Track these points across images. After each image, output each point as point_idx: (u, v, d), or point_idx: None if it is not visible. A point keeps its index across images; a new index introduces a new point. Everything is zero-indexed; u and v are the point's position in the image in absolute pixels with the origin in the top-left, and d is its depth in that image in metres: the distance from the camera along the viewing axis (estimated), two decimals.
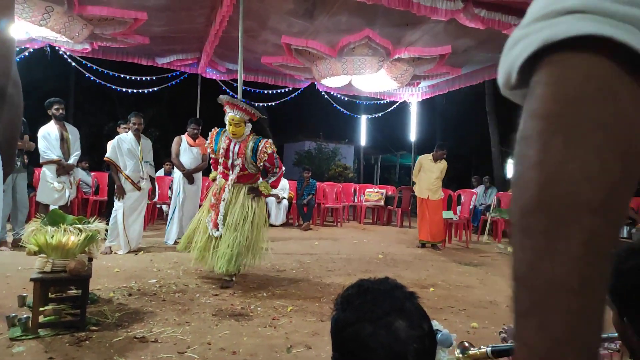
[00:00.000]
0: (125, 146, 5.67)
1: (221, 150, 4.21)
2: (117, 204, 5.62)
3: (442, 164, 7.18)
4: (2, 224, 5.41)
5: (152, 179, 5.97)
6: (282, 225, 9.27)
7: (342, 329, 0.87)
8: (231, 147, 4.19)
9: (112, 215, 5.66)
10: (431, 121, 19.78)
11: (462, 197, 9.19)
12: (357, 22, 6.75)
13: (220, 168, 4.34)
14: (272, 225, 9.11)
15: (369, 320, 0.84)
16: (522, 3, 5.77)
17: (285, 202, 9.39)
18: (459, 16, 5.77)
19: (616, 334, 1.12)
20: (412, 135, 12.73)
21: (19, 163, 5.47)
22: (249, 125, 4.18)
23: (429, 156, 7.24)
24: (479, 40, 7.34)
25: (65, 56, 8.78)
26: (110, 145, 5.76)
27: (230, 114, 4.14)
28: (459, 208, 8.97)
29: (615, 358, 1.26)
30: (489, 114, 14.91)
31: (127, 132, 5.90)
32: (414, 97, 11.74)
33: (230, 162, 4.19)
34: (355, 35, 6.96)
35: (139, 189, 5.74)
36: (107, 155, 5.70)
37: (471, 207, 9.12)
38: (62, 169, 5.76)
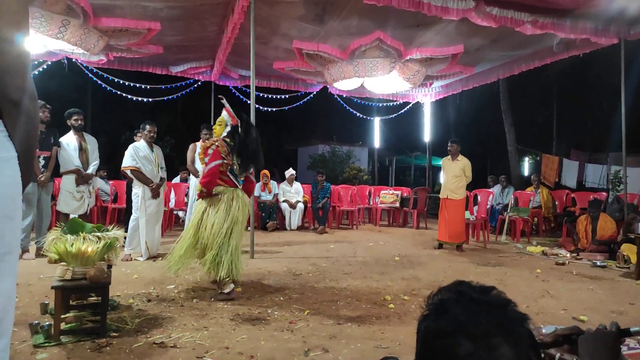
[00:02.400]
0: (140, 153, 5.77)
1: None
2: (139, 213, 5.69)
3: (462, 162, 6.97)
4: (27, 233, 5.54)
5: (161, 179, 5.99)
6: (298, 229, 9.30)
7: (434, 338, 0.75)
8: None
9: (132, 223, 5.73)
10: (445, 121, 19.63)
11: (479, 197, 9.09)
12: (368, 24, 6.75)
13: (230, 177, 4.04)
14: (285, 229, 9.16)
15: (468, 336, 0.71)
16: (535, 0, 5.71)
17: (300, 205, 9.41)
18: (471, 15, 5.73)
19: None
20: (427, 135, 12.65)
21: (43, 175, 5.60)
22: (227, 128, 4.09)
23: (448, 156, 7.18)
24: (492, 38, 7.28)
25: (82, 68, 8.97)
26: (126, 154, 5.84)
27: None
28: (475, 208, 8.87)
29: None
30: (504, 113, 14.73)
31: (139, 140, 5.99)
32: (427, 98, 11.68)
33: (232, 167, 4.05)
34: (366, 37, 6.96)
35: (158, 195, 5.84)
36: (127, 164, 5.74)
37: (488, 206, 9.01)
38: (81, 179, 5.87)
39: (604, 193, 9.91)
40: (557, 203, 9.88)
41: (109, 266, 3.24)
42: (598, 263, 6.01)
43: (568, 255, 6.65)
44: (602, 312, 3.81)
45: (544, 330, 1.46)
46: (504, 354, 0.69)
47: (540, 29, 6.05)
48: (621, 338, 1.11)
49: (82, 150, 5.93)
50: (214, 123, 4.36)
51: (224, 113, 4.15)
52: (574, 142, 16.94)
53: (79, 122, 5.92)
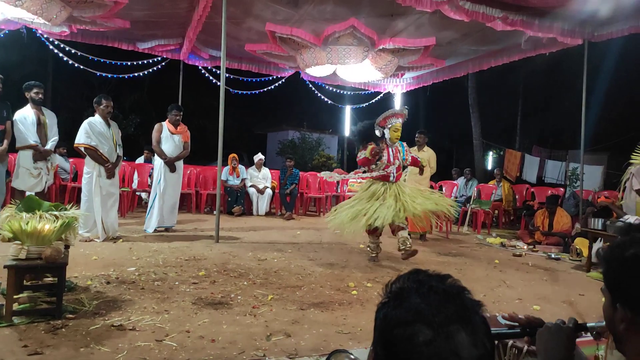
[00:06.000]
0: (96, 129, 5.52)
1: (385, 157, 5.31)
2: (93, 193, 5.46)
3: (427, 153, 7.13)
4: None
5: (118, 157, 5.76)
6: (265, 214, 9.25)
7: (393, 327, 0.76)
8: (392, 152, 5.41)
9: (84, 205, 5.43)
10: (415, 113, 19.88)
11: (444, 189, 9.29)
12: (342, 11, 6.71)
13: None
14: (252, 215, 9.10)
15: (428, 324, 0.72)
16: None
17: (268, 191, 9.36)
18: (444, 8, 5.77)
19: (603, 323, 1.13)
20: None
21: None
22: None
23: (414, 147, 7.28)
24: (463, 32, 7.37)
25: (42, 39, 8.53)
26: (80, 130, 5.54)
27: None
28: None
29: (606, 345, 1.28)
30: (471, 107, 15.07)
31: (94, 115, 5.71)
32: (398, 89, 11.76)
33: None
34: (341, 24, 6.91)
35: (113, 175, 5.63)
36: (80, 141, 5.45)
37: (452, 198, 9.21)
38: (39, 155, 5.62)
39: (562, 189, 10.31)
40: (517, 197, 10.22)
41: (67, 246, 3.13)
42: (552, 255, 6.27)
43: (525, 247, 6.91)
44: (555, 302, 3.98)
45: (499, 318, 1.50)
46: (461, 340, 0.71)
47: (510, 26, 6.17)
48: (578, 333, 1.16)
49: (40, 124, 5.66)
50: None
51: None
52: (536, 139, 17.52)
53: (39, 95, 5.64)
